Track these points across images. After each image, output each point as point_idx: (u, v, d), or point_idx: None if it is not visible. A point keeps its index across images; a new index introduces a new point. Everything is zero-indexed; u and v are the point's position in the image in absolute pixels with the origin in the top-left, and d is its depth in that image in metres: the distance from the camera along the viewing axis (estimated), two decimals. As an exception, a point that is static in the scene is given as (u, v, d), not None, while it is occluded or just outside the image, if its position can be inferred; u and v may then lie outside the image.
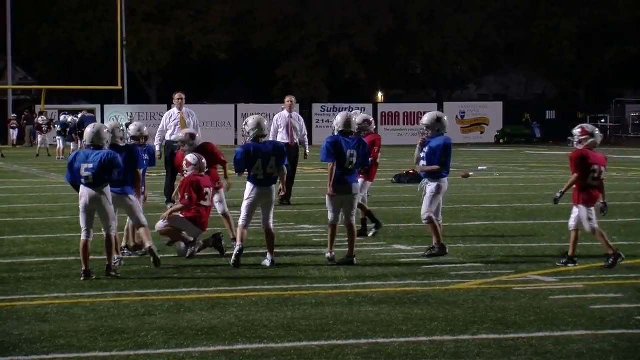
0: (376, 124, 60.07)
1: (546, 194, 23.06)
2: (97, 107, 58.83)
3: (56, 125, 44.05)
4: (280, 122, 21.39)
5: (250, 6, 69.52)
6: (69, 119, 43.38)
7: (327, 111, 60.35)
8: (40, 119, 47.62)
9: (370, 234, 15.51)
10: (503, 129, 63.58)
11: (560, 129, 66.02)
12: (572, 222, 12.93)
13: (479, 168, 32.14)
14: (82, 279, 11.72)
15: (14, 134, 53.81)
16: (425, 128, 13.61)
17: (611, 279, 11.76)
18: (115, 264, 12.57)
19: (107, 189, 12.01)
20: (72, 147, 40.70)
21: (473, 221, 17.67)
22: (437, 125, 13.60)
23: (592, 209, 12.83)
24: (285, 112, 21.50)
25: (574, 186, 12.92)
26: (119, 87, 56.90)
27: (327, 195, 13.17)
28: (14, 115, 56.30)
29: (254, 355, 8.25)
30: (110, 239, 12.04)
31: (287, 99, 21.87)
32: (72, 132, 41.80)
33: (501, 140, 62.75)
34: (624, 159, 41.75)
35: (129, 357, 8.24)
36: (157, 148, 19.64)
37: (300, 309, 10.04)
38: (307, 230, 16.44)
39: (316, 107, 61.84)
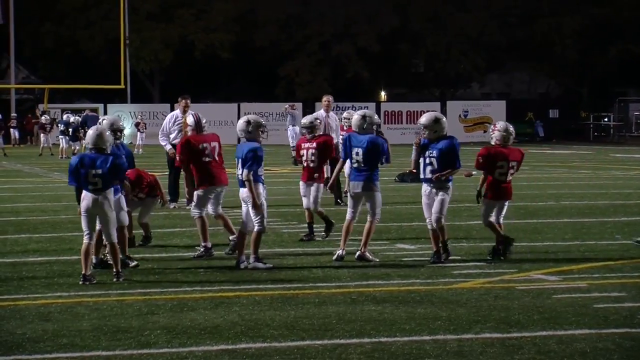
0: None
1: (549, 192, 23.08)
2: (100, 106, 58.84)
3: (59, 125, 44.03)
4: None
5: (253, 5, 69.52)
6: (72, 118, 43.39)
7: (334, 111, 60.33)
8: (43, 118, 47.62)
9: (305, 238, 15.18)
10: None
11: (564, 128, 66.04)
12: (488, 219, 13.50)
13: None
14: (80, 282, 11.55)
15: (14, 133, 53.79)
16: (422, 128, 13.13)
17: (614, 278, 11.76)
18: (132, 265, 12.68)
19: (111, 194, 11.83)
20: (77, 148, 40.77)
21: (476, 220, 17.64)
22: (435, 127, 13.01)
23: (498, 203, 13.42)
24: (322, 112, 21.40)
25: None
26: (122, 86, 56.88)
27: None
28: (15, 114, 56.30)
29: (257, 355, 8.25)
30: (114, 248, 11.80)
31: (325, 98, 21.75)
32: (75, 132, 41.80)
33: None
34: (627, 157, 41.72)
35: (132, 356, 8.24)
36: (169, 147, 19.81)
37: (304, 308, 10.04)
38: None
39: (319, 107, 61.76)
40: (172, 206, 19.64)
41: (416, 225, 16.79)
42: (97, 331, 9.07)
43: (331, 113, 21.45)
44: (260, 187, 12.76)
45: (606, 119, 68.67)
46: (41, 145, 45.65)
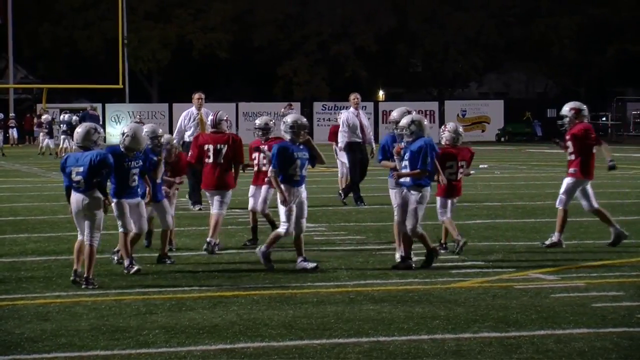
0: (377, 122, 60.16)
1: (547, 192, 23.06)
2: (99, 105, 58.83)
3: (62, 125, 44.12)
4: (351, 120, 21.15)
5: (251, 5, 69.52)
6: (73, 117, 43.45)
7: (328, 110, 60.36)
8: (44, 118, 47.60)
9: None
10: (504, 127, 63.57)
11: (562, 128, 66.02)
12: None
13: (480, 166, 32.18)
14: (71, 278, 11.38)
15: (13, 132, 53.79)
16: (396, 126, 12.82)
17: (612, 277, 11.76)
18: (168, 262, 12.76)
19: (98, 194, 11.25)
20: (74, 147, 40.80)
21: (474, 219, 17.66)
22: (412, 127, 12.62)
23: (449, 200, 13.73)
24: (353, 110, 21.37)
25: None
26: (120, 85, 56.90)
27: None
28: (13, 114, 56.29)
29: (255, 354, 8.25)
30: (92, 250, 11.25)
31: (352, 96, 21.67)
32: (73, 131, 41.83)
33: (502, 139, 62.73)
34: (625, 157, 41.73)
35: (130, 355, 8.24)
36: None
37: (302, 308, 10.04)
38: (309, 229, 16.41)
39: (317, 106, 61.85)
40: (197, 208, 19.30)
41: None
42: (95, 331, 9.07)
43: (360, 110, 21.43)
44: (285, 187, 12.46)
45: (604, 119, 68.69)
46: (40, 145, 45.65)
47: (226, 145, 14.03)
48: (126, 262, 12.24)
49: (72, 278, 11.41)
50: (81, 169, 11.21)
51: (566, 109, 14.85)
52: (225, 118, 14.36)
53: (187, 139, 19.44)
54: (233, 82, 76.27)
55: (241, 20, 69.50)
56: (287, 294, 10.84)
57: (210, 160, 14.01)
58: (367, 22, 69.50)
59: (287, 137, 12.58)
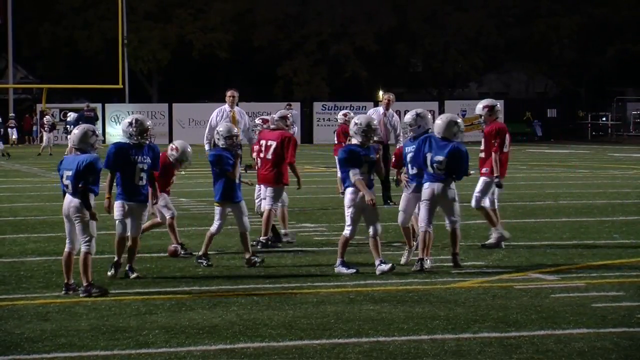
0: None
1: (547, 192, 23.08)
2: (99, 105, 58.83)
3: (69, 126, 44.26)
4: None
5: (251, 5, 69.51)
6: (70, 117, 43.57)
7: (328, 110, 60.34)
8: (45, 118, 47.57)
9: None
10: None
11: (562, 128, 66.03)
12: None
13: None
14: (62, 292, 10.90)
15: (12, 133, 53.76)
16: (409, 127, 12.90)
17: (612, 278, 11.76)
18: (256, 261, 12.64)
19: (89, 199, 10.77)
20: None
21: (474, 220, 17.65)
22: (418, 119, 12.89)
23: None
24: (380, 109, 21.37)
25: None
26: (120, 85, 56.87)
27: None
28: (13, 114, 56.26)
29: (255, 354, 8.25)
30: (86, 257, 10.85)
31: (385, 96, 21.68)
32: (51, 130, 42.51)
33: (502, 139, 62.60)
34: (625, 157, 41.74)
35: (130, 356, 8.24)
36: (207, 147, 18.84)
37: (302, 308, 10.04)
38: (308, 229, 16.44)
39: (317, 106, 61.83)
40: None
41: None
42: (95, 331, 9.07)
43: (390, 111, 21.32)
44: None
45: (604, 119, 68.67)
46: (42, 145, 45.63)
47: (275, 142, 14.46)
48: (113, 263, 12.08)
49: (63, 292, 10.91)
50: (71, 173, 10.82)
51: (480, 107, 14.66)
52: (287, 115, 14.87)
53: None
54: (233, 82, 76.01)
55: (241, 20, 69.47)
56: (287, 294, 10.84)
57: (262, 155, 14.50)
58: (367, 22, 69.47)
59: (358, 139, 12.20)
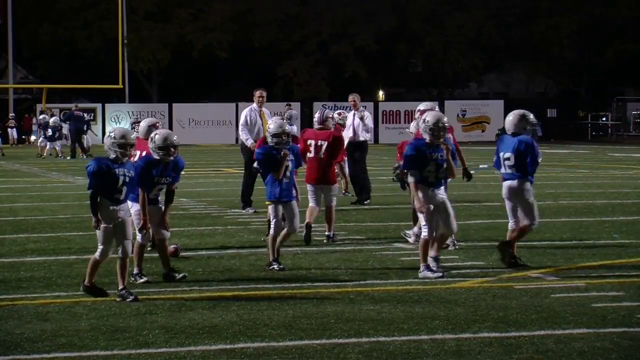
0: (377, 123, 60.19)
1: (547, 192, 23.07)
2: (99, 105, 58.83)
3: (50, 129, 44.34)
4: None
5: (251, 5, 69.54)
6: (52, 119, 43.83)
7: (328, 110, 60.34)
8: (43, 119, 47.55)
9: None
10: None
11: (562, 128, 66.04)
12: None
13: (480, 167, 32.17)
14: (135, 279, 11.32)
15: (12, 133, 53.78)
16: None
17: (612, 277, 11.76)
18: (276, 269, 12.30)
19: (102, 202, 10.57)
20: (56, 147, 41.51)
21: (474, 219, 17.66)
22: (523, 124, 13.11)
23: None
24: (352, 112, 21.34)
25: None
26: (120, 85, 56.88)
27: None
28: (13, 114, 56.27)
29: (255, 354, 8.25)
30: (91, 259, 10.77)
31: (351, 97, 21.52)
32: (55, 131, 42.51)
33: (502, 139, 62.62)
34: (625, 157, 41.75)
35: (130, 356, 8.24)
36: (250, 142, 18.68)
37: (302, 308, 10.04)
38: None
39: (317, 106, 61.77)
40: (251, 211, 18.77)
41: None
42: (95, 331, 9.06)
43: (359, 111, 21.32)
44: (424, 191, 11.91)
45: (604, 119, 68.68)
46: (41, 146, 45.60)
47: (326, 142, 14.79)
48: (135, 270, 11.74)
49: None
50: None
51: (417, 110, 14.67)
52: (331, 116, 15.18)
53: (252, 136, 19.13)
54: (233, 82, 76.27)
55: (241, 20, 69.50)
56: (287, 294, 10.84)
57: (312, 155, 14.72)
58: (367, 22, 69.51)
59: (426, 137, 11.96)
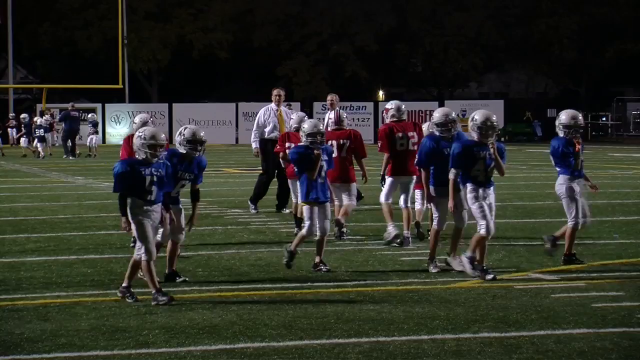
0: (377, 123, 60.20)
1: (547, 192, 23.05)
2: (99, 105, 58.82)
3: (89, 127, 44.57)
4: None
5: (251, 5, 69.55)
6: (40, 119, 44.06)
7: (328, 110, 60.32)
8: (44, 118, 47.52)
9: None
10: (504, 127, 63.50)
11: (562, 127, 65.96)
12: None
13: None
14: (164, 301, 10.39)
15: (12, 133, 53.73)
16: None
17: (612, 278, 11.76)
18: (322, 269, 12.14)
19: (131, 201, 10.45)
20: (42, 147, 41.65)
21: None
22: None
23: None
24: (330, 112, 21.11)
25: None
26: (120, 85, 56.85)
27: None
28: (13, 114, 56.24)
29: (255, 354, 8.25)
30: (133, 262, 10.65)
31: (329, 97, 21.48)
32: (47, 131, 42.69)
33: (502, 139, 62.70)
34: (625, 157, 41.74)
35: (130, 356, 8.24)
36: (255, 145, 19.06)
37: (302, 308, 10.04)
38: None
39: (317, 106, 61.81)
40: (287, 211, 18.65)
41: (413, 224, 16.81)
42: (95, 331, 9.06)
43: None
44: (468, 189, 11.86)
45: (604, 119, 68.68)
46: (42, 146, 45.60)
47: (349, 140, 15.00)
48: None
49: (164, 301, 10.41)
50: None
51: (384, 108, 15.19)
52: (345, 116, 15.50)
53: (267, 135, 19.11)
54: (233, 82, 76.30)
55: (241, 20, 69.50)
56: (287, 294, 10.84)
57: (335, 155, 14.55)
58: (367, 22, 69.51)
59: (474, 136, 11.86)
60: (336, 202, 14.88)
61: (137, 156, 10.54)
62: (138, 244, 10.50)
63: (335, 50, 69.13)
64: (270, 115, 19.27)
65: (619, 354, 8.22)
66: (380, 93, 79.08)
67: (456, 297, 10.60)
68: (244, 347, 8.47)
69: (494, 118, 11.90)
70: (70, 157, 41.25)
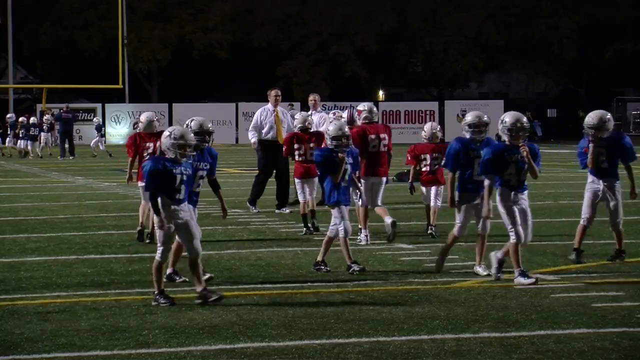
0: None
1: (547, 192, 23.07)
2: (99, 105, 58.81)
3: (95, 131, 44.78)
4: None
5: (251, 4, 69.60)
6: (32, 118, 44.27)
7: (328, 110, 60.27)
8: (44, 118, 47.53)
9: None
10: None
11: (562, 127, 66.03)
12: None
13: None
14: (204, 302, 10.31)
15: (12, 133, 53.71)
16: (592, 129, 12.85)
17: (612, 277, 11.76)
18: (354, 270, 11.99)
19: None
20: (29, 146, 41.82)
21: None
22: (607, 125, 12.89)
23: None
24: (310, 112, 21.03)
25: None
26: (120, 85, 56.86)
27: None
28: (13, 114, 56.22)
29: (255, 354, 8.25)
30: (155, 264, 10.47)
31: (311, 97, 21.37)
32: (48, 131, 42.80)
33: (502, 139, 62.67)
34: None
35: (130, 356, 8.24)
36: (253, 140, 19.27)
37: (302, 308, 10.04)
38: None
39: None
40: (287, 211, 18.76)
41: (414, 224, 16.81)
42: (95, 331, 9.06)
43: (317, 111, 21.07)
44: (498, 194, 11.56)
45: (526, 118, 68.81)
46: (41, 145, 45.60)
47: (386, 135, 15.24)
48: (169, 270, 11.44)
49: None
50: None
51: (355, 109, 15.63)
52: (357, 116, 15.52)
53: (263, 136, 19.17)
54: (233, 82, 76.33)
55: (241, 20, 69.55)
56: (287, 294, 10.83)
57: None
58: (367, 22, 69.53)
59: (504, 138, 11.60)
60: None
61: (166, 155, 10.42)
62: (159, 245, 10.43)
63: (335, 50, 69.15)
64: (267, 116, 19.30)
65: (619, 354, 8.22)
66: (380, 93, 79.10)
67: (456, 297, 10.60)
68: (244, 347, 8.47)
69: (524, 119, 11.67)
70: (71, 157, 41.20)
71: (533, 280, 11.26)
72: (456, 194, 12.17)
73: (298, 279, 11.74)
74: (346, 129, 12.54)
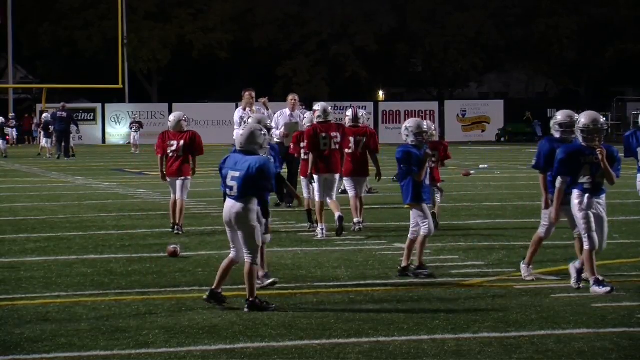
0: (377, 123, 60.20)
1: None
2: (99, 105, 58.83)
3: (132, 127, 44.86)
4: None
5: (251, 5, 69.65)
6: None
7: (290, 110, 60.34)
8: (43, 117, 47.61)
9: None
10: (504, 127, 63.58)
11: (562, 127, 66.00)
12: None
13: (480, 167, 32.17)
14: (204, 298, 10.12)
15: (12, 133, 53.81)
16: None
17: (612, 278, 11.74)
18: (425, 274, 11.71)
19: (254, 205, 9.94)
20: (46, 145, 41.93)
21: (474, 219, 17.66)
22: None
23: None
24: (286, 111, 20.85)
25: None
26: (120, 85, 56.91)
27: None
28: (13, 114, 56.28)
29: (255, 354, 8.24)
30: (251, 269, 10.02)
31: (290, 97, 21.41)
32: (45, 129, 42.94)
33: (502, 139, 62.74)
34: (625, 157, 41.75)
35: (130, 356, 8.24)
36: (279, 132, 19.61)
37: (302, 308, 10.03)
38: (309, 229, 16.41)
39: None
40: (288, 206, 19.11)
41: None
42: (95, 331, 9.06)
43: (297, 112, 20.92)
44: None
45: (604, 119, 68.76)
46: (41, 145, 45.64)
47: (365, 137, 15.97)
48: (261, 273, 11.05)
49: (205, 298, 10.12)
50: (237, 174, 9.88)
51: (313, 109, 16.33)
52: (362, 114, 16.58)
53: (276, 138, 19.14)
54: (233, 82, 76.28)
55: (241, 20, 69.59)
56: (287, 294, 10.83)
57: (351, 150, 15.83)
58: (367, 22, 69.57)
59: (580, 139, 10.95)
60: (351, 195, 15.91)
61: (260, 154, 10.01)
62: (250, 250, 10.08)
63: (335, 50, 69.18)
64: (284, 120, 19.96)
65: (619, 354, 8.22)
66: (380, 93, 79.12)
67: (456, 297, 10.60)
68: (244, 347, 8.47)
69: (602, 120, 11.03)
70: (65, 158, 40.94)
71: (609, 289, 10.60)
72: (550, 195, 11.52)
73: (298, 279, 11.74)
74: (424, 124, 12.13)
